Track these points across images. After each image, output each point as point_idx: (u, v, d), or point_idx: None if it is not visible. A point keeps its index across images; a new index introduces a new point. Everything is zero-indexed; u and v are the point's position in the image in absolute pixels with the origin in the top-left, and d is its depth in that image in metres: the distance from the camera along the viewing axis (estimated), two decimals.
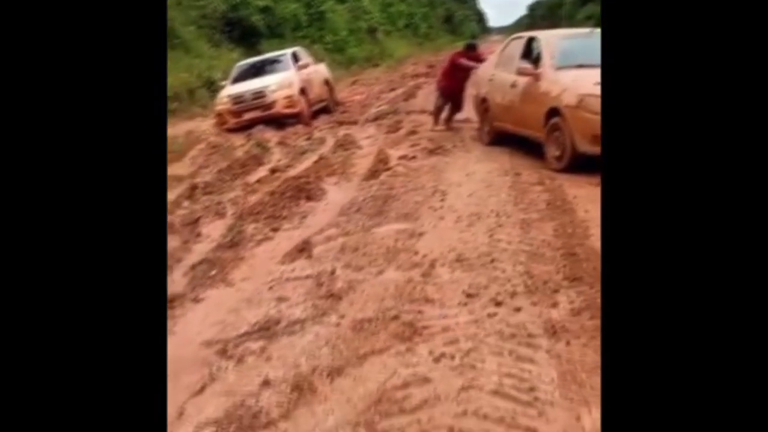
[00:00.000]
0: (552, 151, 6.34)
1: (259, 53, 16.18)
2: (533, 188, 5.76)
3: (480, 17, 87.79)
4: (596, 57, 6.01)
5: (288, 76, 12.08)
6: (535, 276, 3.75)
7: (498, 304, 3.40)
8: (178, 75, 14.19)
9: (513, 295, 3.51)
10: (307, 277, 4.13)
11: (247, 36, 19.49)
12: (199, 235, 5.54)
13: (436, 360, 2.86)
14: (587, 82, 5.81)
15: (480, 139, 8.37)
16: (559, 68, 6.51)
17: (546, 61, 6.73)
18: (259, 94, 11.64)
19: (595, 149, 5.51)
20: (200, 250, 5.12)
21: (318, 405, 2.63)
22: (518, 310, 3.32)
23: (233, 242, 5.12)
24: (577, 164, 5.96)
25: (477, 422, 2.39)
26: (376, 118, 11.24)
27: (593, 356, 2.80)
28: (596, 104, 5.62)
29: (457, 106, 9.48)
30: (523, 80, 6.98)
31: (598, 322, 3.12)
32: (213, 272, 4.46)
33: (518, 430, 2.33)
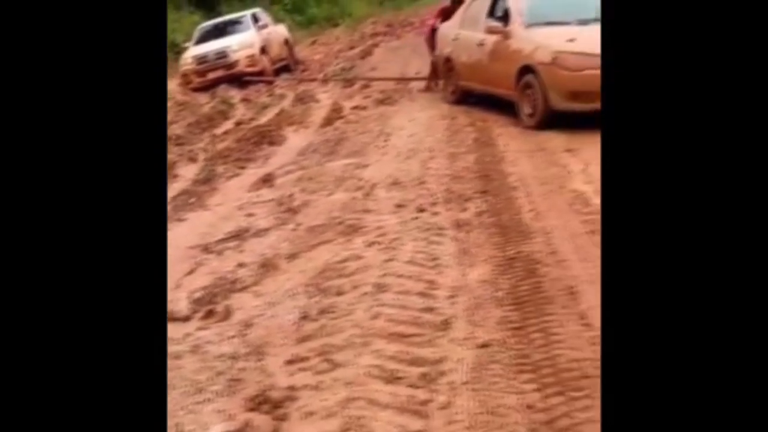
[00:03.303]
0: (525, 109, 6.32)
1: (219, 15, 16.69)
2: (465, 129, 6.70)
3: None
4: (566, 14, 6.39)
5: (249, 36, 12.74)
6: (453, 191, 4.71)
7: (421, 210, 4.36)
8: None
9: (433, 204, 4.46)
10: (270, 200, 5.04)
11: None
12: (176, 176, 6.38)
13: (369, 245, 3.82)
14: (560, 39, 5.93)
15: (444, 99, 8.21)
16: (529, 26, 6.54)
17: (515, 18, 6.69)
18: (221, 54, 12.31)
19: (571, 105, 5.76)
20: (178, 187, 5.97)
21: (280, 276, 3.59)
22: (436, 214, 4.29)
23: (206, 179, 6.01)
24: (550, 121, 6.03)
25: (394, 279, 3.35)
26: (335, 76, 11.99)
27: (484, 239, 3.79)
28: (570, 61, 5.77)
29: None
30: (491, 39, 6.95)
31: (494, 218, 4.11)
32: (192, 200, 5.34)
33: (421, 282, 3.29)
